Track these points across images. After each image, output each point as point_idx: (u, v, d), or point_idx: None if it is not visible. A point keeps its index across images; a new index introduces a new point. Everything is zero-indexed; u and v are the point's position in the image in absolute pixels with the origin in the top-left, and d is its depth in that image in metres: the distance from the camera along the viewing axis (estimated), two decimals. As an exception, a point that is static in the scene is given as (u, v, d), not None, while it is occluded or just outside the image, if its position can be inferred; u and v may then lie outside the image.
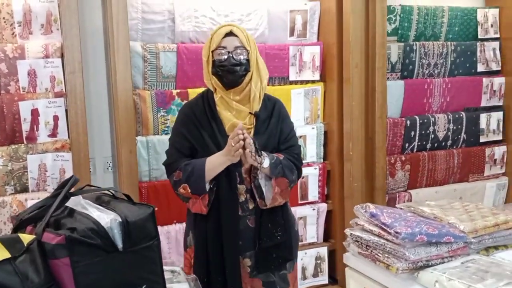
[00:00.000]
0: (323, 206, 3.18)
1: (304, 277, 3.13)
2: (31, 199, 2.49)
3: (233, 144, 1.78)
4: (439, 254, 1.60)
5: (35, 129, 2.53)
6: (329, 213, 3.21)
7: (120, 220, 1.09)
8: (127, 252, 1.11)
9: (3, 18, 2.49)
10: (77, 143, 2.46)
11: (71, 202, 1.14)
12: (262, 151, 1.86)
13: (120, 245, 1.09)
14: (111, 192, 1.29)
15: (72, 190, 1.23)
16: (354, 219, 1.83)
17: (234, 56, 1.90)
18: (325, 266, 3.18)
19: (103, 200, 1.23)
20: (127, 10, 2.50)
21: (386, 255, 1.63)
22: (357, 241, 1.77)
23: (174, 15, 2.75)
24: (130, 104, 2.56)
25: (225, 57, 1.90)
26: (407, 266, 1.58)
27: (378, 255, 1.66)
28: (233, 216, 1.91)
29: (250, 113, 1.94)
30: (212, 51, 1.93)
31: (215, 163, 1.87)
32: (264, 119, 1.98)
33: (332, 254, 3.23)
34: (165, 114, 2.76)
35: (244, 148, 1.78)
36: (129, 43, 2.53)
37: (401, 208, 1.91)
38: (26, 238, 1.07)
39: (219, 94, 1.97)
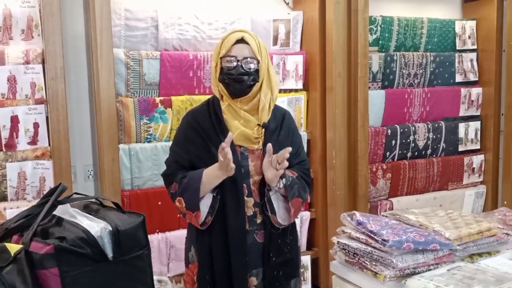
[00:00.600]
0: (306, 214, 3.18)
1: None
2: (10, 208, 2.43)
3: (222, 159, 1.67)
4: (425, 262, 1.62)
5: (15, 136, 2.48)
6: (312, 221, 3.22)
7: (111, 229, 1.07)
8: (117, 262, 1.08)
9: (-17, 23, 2.45)
10: (59, 151, 2.41)
11: (59, 211, 1.11)
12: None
13: (110, 254, 1.07)
14: (99, 201, 1.26)
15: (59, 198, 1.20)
16: (341, 227, 1.84)
17: (243, 65, 1.81)
18: (308, 274, 3.17)
19: (92, 208, 1.20)
20: (110, 17, 2.47)
21: (374, 262, 1.64)
22: (344, 249, 1.77)
23: (158, 22, 2.74)
24: (113, 112, 2.52)
25: (234, 65, 1.81)
26: (394, 273, 1.59)
27: (365, 263, 1.67)
28: (241, 230, 1.80)
29: (258, 124, 1.85)
30: (221, 58, 1.84)
31: (211, 176, 1.77)
32: (274, 129, 1.89)
33: (315, 262, 3.23)
34: (148, 122, 2.73)
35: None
36: (113, 50, 2.50)
37: (386, 216, 1.93)
38: (13, 248, 1.03)
39: (226, 101, 1.88)
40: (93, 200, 1.26)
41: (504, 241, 1.83)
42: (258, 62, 1.84)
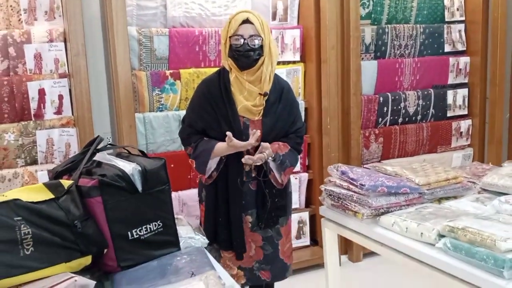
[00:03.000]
0: (305, 176, 3.50)
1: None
2: (41, 171, 2.76)
3: (243, 146, 2.09)
4: (397, 202, 1.93)
5: (42, 107, 2.78)
6: (310, 181, 3.53)
7: (140, 168, 1.39)
8: (145, 194, 1.41)
9: (10, 6, 2.73)
10: (82, 120, 2.72)
11: (98, 157, 1.43)
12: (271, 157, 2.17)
13: (140, 188, 1.39)
14: (127, 150, 1.58)
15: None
16: (328, 177, 2.15)
17: (249, 42, 2.10)
18: (307, 229, 3.51)
19: (123, 155, 1.52)
20: (125, -2, 2.75)
21: (354, 204, 1.95)
22: (330, 195, 2.09)
23: (166, 1, 3.01)
24: (129, 84, 2.82)
25: (241, 42, 2.10)
26: (370, 212, 1.90)
27: (347, 205, 1.98)
28: (239, 182, 2.20)
29: (259, 93, 2.17)
30: (230, 37, 2.14)
31: (221, 151, 2.16)
32: (273, 102, 2.21)
33: (313, 219, 3.56)
34: (160, 93, 3.03)
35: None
36: (127, 28, 2.78)
37: (368, 168, 2.24)
38: (65, 183, 1.36)
39: (233, 74, 2.19)
40: (123, 149, 1.58)
41: (469, 187, 2.13)
42: (262, 39, 2.13)
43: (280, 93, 2.24)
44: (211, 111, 2.19)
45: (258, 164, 2.15)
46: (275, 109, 2.21)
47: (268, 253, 2.30)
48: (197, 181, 2.89)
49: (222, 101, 2.18)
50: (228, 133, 2.04)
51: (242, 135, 2.16)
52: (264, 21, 2.19)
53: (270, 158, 2.16)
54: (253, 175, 2.23)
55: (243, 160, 2.11)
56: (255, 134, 2.08)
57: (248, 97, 2.17)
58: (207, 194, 2.30)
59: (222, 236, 2.24)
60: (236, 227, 2.22)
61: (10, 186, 2.70)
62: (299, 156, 2.34)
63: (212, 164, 2.20)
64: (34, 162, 2.79)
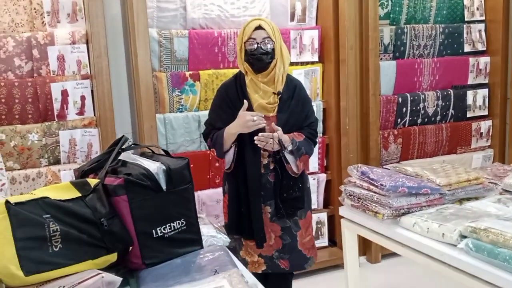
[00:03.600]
0: (323, 176, 3.50)
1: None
2: (64, 170, 2.82)
3: (254, 121, 2.21)
4: (418, 203, 1.93)
5: (65, 107, 2.84)
6: (328, 182, 3.54)
7: (164, 167, 1.41)
8: (169, 193, 1.43)
9: (34, 9, 2.80)
10: (105, 120, 2.77)
11: (123, 156, 1.46)
12: (288, 142, 2.27)
13: (164, 186, 1.42)
14: (151, 149, 1.61)
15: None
16: (348, 178, 2.16)
17: (262, 46, 2.26)
18: (325, 229, 3.51)
19: (147, 155, 1.55)
20: (146, 0, 2.79)
21: (374, 204, 1.96)
22: (350, 195, 2.10)
23: (186, 3, 3.05)
24: (150, 85, 2.86)
25: (255, 46, 2.27)
26: (391, 212, 1.90)
27: (367, 205, 1.99)
28: (257, 174, 2.34)
29: (273, 92, 2.32)
30: (244, 42, 2.30)
31: (231, 131, 2.30)
32: (286, 99, 2.35)
33: (331, 219, 3.56)
34: (180, 94, 3.06)
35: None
36: (148, 30, 2.82)
37: (388, 169, 2.23)
38: (92, 181, 1.39)
39: (249, 76, 2.36)
40: (146, 149, 1.60)
41: (490, 188, 2.12)
42: (274, 42, 2.29)
43: (293, 91, 2.40)
44: (229, 111, 2.35)
45: (269, 148, 2.25)
46: (289, 105, 2.36)
47: (286, 243, 2.41)
48: (216, 181, 3.13)
49: (239, 101, 2.33)
50: (245, 101, 2.22)
51: (259, 130, 2.28)
52: (275, 26, 2.35)
53: (285, 149, 2.26)
54: (271, 167, 2.35)
55: (255, 139, 2.21)
56: (263, 136, 2.22)
57: (263, 96, 2.34)
58: (229, 186, 2.44)
59: (244, 225, 2.38)
60: (256, 217, 2.34)
61: (34, 185, 2.76)
62: (313, 147, 2.45)
63: (230, 156, 2.36)
64: (57, 162, 2.85)
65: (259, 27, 2.28)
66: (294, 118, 2.36)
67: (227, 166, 2.39)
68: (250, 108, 2.30)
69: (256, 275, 2.37)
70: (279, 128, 2.23)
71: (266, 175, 2.36)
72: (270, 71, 2.32)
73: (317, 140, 2.49)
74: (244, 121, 2.22)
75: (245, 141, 2.30)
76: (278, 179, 2.34)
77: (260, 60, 2.27)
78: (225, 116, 2.36)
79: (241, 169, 2.35)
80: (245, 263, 2.42)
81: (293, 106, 2.37)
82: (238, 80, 2.40)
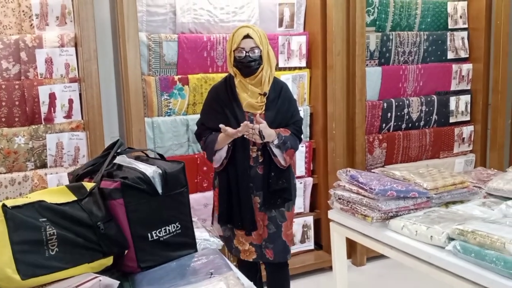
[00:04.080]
0: (309, 180, 3.54)
1: (292, 243, 3.49)
2: (50, 174, 2.79)
3: (240, 133, 2.36)
4: (406, 206, 1.97)
5: (53, 111, 2.82)
6: (314, 186, 3.57)
7: (160, 171, 1.42)
8: (165, 196, 1.44)
9: (23, 11, 2.78)
10: (93, 123, 2.76)
11: (118, 160, 1.47)
12: (274, 136, 2.41)
13: (160, 190, 1.43)
14: (145, 154, 1.62)
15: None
16: (337, 182, 2.19)
17: (250, 55, 2.43)
18: (311, 233, 3.54)
19: (142, 159, 1.56)
20: (136, 5, 2.79)
21: (363, 208, 1.99)
22: (340, 199, 2.13)
23: (175, 8, 3.06)
24: (139, 89, 2.86)
25: (243, 55, 2.43)
26: (380, 216, 1.94)
27: (356, 208, 2.02)
28: (246, 167, 2.48)
29: (260, 93, 2.48)
30: (233, 50, 2.46)
31: (222, 139, 2.45)
32: (273, 99, 2.51)
33: (317, 223, 3.59)
34: (168, 98, 3.07)
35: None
36: (138, 34, 2.82)
37: (376, 173, 2.28)
38: (88, 185, 1.39)
39: (238, 78, 2.52)
40: (141, 152, 1.61)
41: (475, 192, 2.17)
42: (261, 50, 2.45)
43: (279, 91, 2.55)
44: (220, 110, 2.51)
45: (251, 138, 2.39)
46: (275, 104, 2.51)
47: (271, 232, 2.52)
48: (204, 185, 3.21)
49: (229, 100, 2.51)
50: (221, 126, 2.35)
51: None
52: (262, 33, 2.50)
53: (271, 142, 2.41)
54: (260, 160, 2.50)
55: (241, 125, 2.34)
56: (245, 124, 2.32)
57: (251, 96, 2.49)
58: (220, 180, 2.57)
59: (235, 215, 2.51)
60: (246, 207, 2.48)
61: (20, 189, 2.73)
62: (299, 143, 2.59)
63: (223, 152, 2.49)
64: (44, 165, 2.83)
65: (247, 36, 2.42)
66: (280, 116, 2.51)
67: (218, 164, 2.51)
68: (240, 107, 2.48)
69: (250, 268, 2.62)
70: (263, 122, 2.36)
71: (255, 168, 2.50)
72: (258, 74, 2.48)
73: (301, 137, 2.64)
74: (229, 135, 2.36)
75: (236, 139, 2.44)
76: (267, 171, 2.49)
77: (248, 66, 2.44)
78: (217, 115, 2.50)
79: (232, 163, 2.49)
80: (237, 251, 2.58)
81: (279, 105, 2.53)
82: (228, 82, 2.56)
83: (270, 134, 2.39)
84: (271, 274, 2.66)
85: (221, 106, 2.51)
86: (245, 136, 2.37)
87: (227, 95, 2.52)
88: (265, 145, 2.45)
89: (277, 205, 2.50)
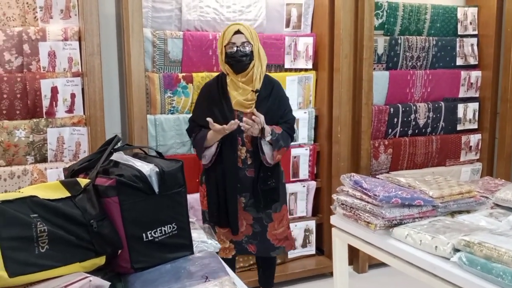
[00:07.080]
0: (313, 184, 3.48)
1: (292, 247, 3.43)
2: (50, 168, 2.75)
3: (227, 130, 2.40)
4: (410, 214, 1.91)
5: (54, 105, 2.78)
6: (317, 190, 3.52)
7: (157, 170, 1.37)
8: (162, 195, 1.39)
9: (27, 3, 2.74)
10: (94, 119, 2.71)
11: (115, 156, 1.42)
12: (268, 132, 2.44)
13: (156, 189, 1.38)
14: (144, 151, 1.57)
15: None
16: (340, 187, 2.13)
17: (241, 49, 2.46)
18: (313, 238, 3.49)
19: (140, 156, 1.51)
20: (141, 0, 2.75)
21: (367, 214, 1.93)
22: (343, 204, 2.07)
23: (181, 4, 3.02)
24: (142, 85, 2.82)
25: (235, 50, 2.46)
26: (383, 223, 1.89)
27: (359, 215, 1.97)
28: (234, 168, 2.53)
29: (252, 90, 2.51)
30: (225, 46, 2.49)
31: (212, 136, 2.48)
32: (264, 98, 2.53)
33: (319, 228, 3.54)
34: (172, 95, 3.03)
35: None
36: (143, 30, 2.78)
37: (381, 179, 2.22)
38: (82, 181, 1.34)
39: (230, 77, 2.55)
40: (139, 150, 1.56)
41: (482, 202, 2.11)
42: (252, 45, 2.48)
43: (270, 89, 2.57)
44: (211, 108, 2.54)
45: (250, 132, 2.41)
46: (266, 103, 2.53)
47: (256, 231, 2.61)
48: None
49: (219, 98, 2.54)
50: (209, 119, 2.37)
51: (237, 131, 2.45)
52: (253, 31, 2.54)
53: (264, 139, 2.43)
54: (249, 162, 2.54)
55: (243, 120, 2.37)
56: (234, 122, 2.37)
57: (242, 93, 2.52)
58: (207, 177, 2.62)
59: (221, 215, 2.57)
60: (232, 208, 2.53)
61: (19, 183, 2.70)
62: (290, 141, 2.62)
63: (213, 149, 2.52)
64: (44, 160, 2.79)
65: (238, 32, 2.46)
66: (270, 115, 2.52)
67: (208, 161, 2.54)
68: (229, 106, 2.51)
69: (227, 264, 2.64)
70: (262, 116, 2.39)
71: (244, 170, 2.55)
72: (249, 71, 2.52)
73: (294, 136, 2.66)
74: (217, 130, 2.40)
75: (224, 138, 2.47)
76: (256, 173, 2.52)
77: (240, 61, 2.47)
78: (207, 112, 2.52)
79: (220, 163, 2.52)
80: None
81: (270, 104, 2.55)
82: (220, 80, 2.59)
83: (266, 130, 2.43)
84: (262, 264, 2.80)
85: (211, 103, 2.54)
86: (242, 128, 2.38)
87: (218, 93, 2.55)
88: (254, 147, 2.48)
89: (264, 206, 2.54)
